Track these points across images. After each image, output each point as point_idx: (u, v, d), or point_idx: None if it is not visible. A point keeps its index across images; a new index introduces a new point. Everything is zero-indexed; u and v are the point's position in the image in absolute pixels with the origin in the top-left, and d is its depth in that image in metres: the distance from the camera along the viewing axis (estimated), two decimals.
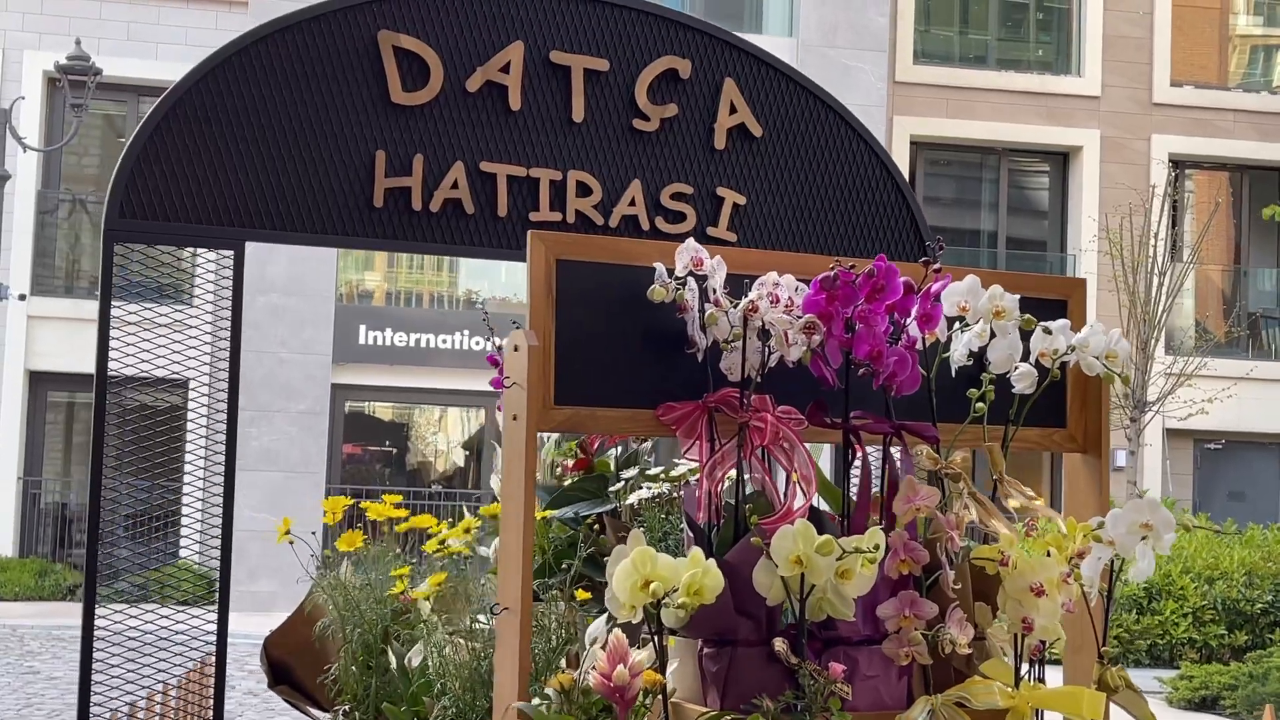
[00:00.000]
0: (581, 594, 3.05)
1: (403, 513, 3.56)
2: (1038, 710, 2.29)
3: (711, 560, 2.13)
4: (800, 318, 2.34)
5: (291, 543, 3.38)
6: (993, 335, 2.45)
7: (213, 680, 4.02)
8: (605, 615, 2.53)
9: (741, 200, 4.25)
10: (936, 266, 2.45)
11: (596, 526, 3.47)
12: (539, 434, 2.59)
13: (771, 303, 2.34)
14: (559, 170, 4.08)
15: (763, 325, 2.35)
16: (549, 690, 2.38)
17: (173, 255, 3.97)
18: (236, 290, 3.88)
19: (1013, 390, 2.49)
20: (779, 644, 2.14)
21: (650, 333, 2.42)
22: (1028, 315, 2.45)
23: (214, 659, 3.94)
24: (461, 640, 2.97)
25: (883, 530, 2.19)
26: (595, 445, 3.77)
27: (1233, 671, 11.19)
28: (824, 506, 2.74)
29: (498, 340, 2.65)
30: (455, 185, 3.98)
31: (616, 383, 2.40)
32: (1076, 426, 2.75)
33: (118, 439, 4.14)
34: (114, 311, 3.83)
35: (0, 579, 17.09)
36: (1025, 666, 2.27)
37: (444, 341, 18.31)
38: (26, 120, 18.04)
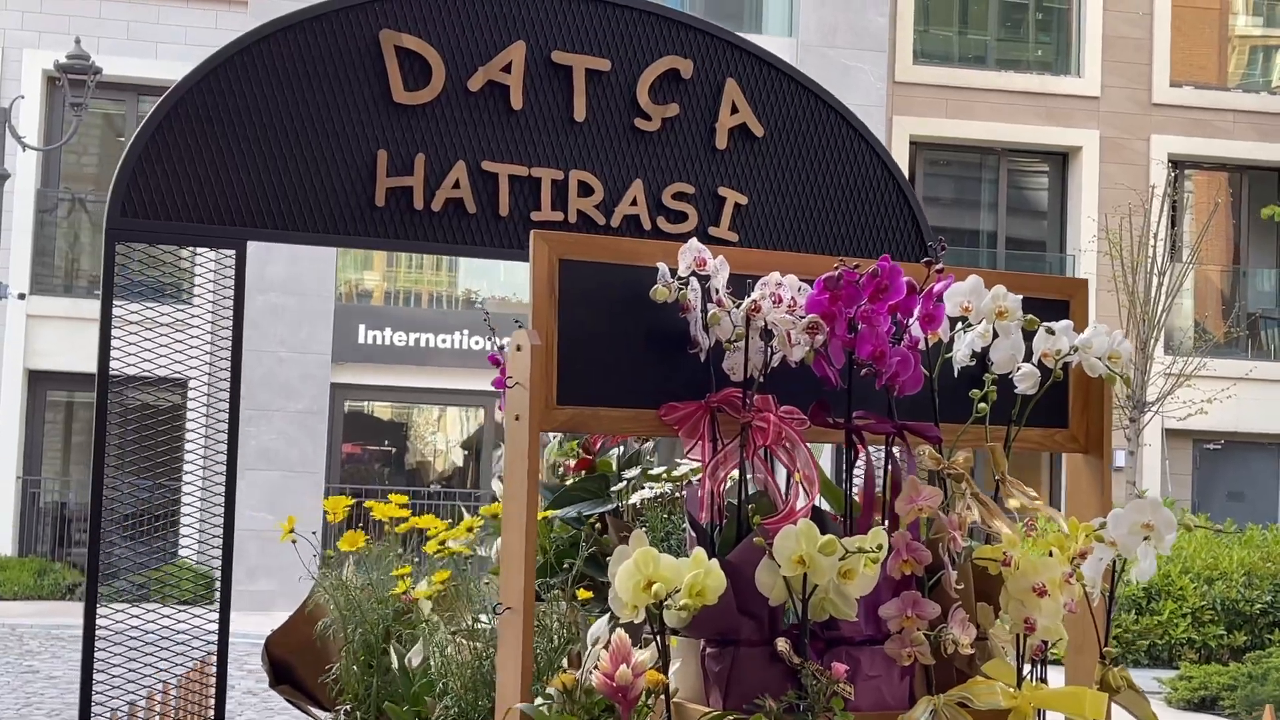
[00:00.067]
0: (583, 594, 3.05)
1: (407, 512, 3.56)
2: (1040, 711, 2.29)
3: (714, 560, 2.14)
4: (803, 318, 2.34)
5: (294, 542, 3.38)
6: (995, 336, 2.45)
7: (212, 679, 4.02)
8: (608, 615, 2.53)
9: (743, 200, 4.25)
10: (939, 266, 2.46)
11: (598, 526, 3.47)
12: (543, 434, 2.59)
13: (774, 303, 2.34)
14: (561, 170, 4.09)
15: (765, 325, 2.35)
16: (551, 690, 2.38)
17: (172, 254, 3.97)
18: (238, 290, 3.88)
19: (1015, 391, 2.49)
20: (781, 644, 2.14)
21: (653, 333, 2.42)
22: (1030, 316, 2.46)
23: (214, 658, 3.94)
24: (463, 640, 2.97)
25: (885, 530, 2.19)
26: (597, 445, 3.78)
27: (1232, 672, 11.20)
28: (825, 507, 2.74)
29: (499, 340, 2.65)
30: (457, 185, 3.98)
31: (619, 383, 2.41)
32: (1079, 427, 2.75)
33: (118, 438, 4.14)
34: (114, 310, 3.83)
35: None
36: (1027, 667, 2.27)
37: (443, 341, 18.31)
38: (26, 119, 18.04)
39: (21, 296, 18.44)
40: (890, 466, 2.40)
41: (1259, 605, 13.38)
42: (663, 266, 2.37)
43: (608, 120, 4.15)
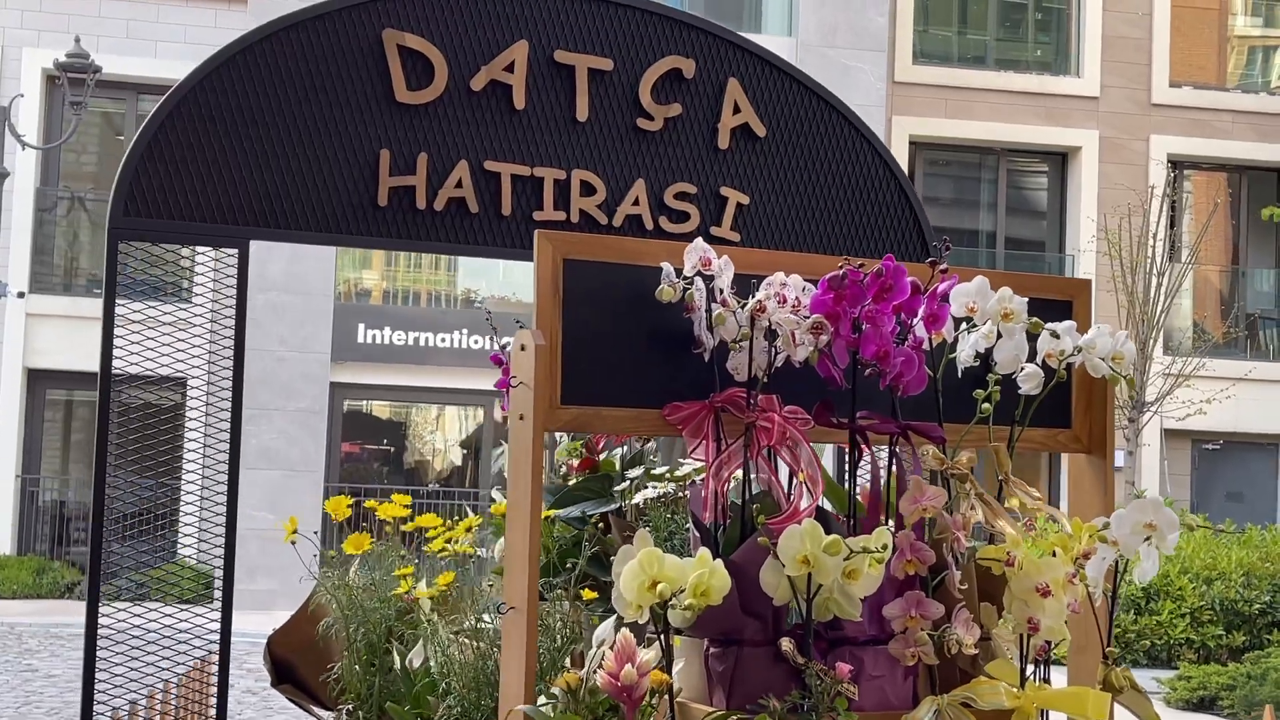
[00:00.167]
0: (586, 593, 3.05)
1: (410, 512, 3.56)
2: (1043, 711, 2.30)
3: (718, 560, 2.14)
4: (807, 318, 2.34)
5: (294, 542, 3.38)
6: (999, 336, 2.45)
7: (214, 678, 4.02)
8: (615, 617, 2.53)
9: (745, 200, 4.25)
10: (943, 267, 2.46)
11: (601, 526, 3.47)
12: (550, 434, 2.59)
13: (779, 303, 2.34)
14: (563, 169, 4.09)
15: (770, 325, 2.35)
16: (554, 690, 2.38)
17: (173, 254, 3.97)
18: (241, 289, 3.88)
19: (1018, 391, 2.49)
20: (785, 644, 2.15)
21: (657, 332, 2.42)
22: (1035, 318, 2.46)
23: (214, 657, 3.94)
24: (466, 640, 2.97)
25: (889, 530, 2.19)
26: (600, 444, 3.78)
27: (1231, 672, 11.20)
28: (829, 507, 2.74)
29: (500, 340, 2.65)
30: (459, 184, 3.98)
31: (623, 382, 2.41)
32: (1081, 427, 2.75)
33: (119, 437, 4.14)
34: (116, 309, 3.83)
35: None
36: (1031, 667, 2.27)
37: (442, 340, 18.31)
38: (25, 118, 18.03)
39: (21, 295, 18.43)
40: (894, 466, 2.40)
41: (1258, 605, 13.39)
42: (668, 266, 2.37)
43: (610, 120, 4.15)
